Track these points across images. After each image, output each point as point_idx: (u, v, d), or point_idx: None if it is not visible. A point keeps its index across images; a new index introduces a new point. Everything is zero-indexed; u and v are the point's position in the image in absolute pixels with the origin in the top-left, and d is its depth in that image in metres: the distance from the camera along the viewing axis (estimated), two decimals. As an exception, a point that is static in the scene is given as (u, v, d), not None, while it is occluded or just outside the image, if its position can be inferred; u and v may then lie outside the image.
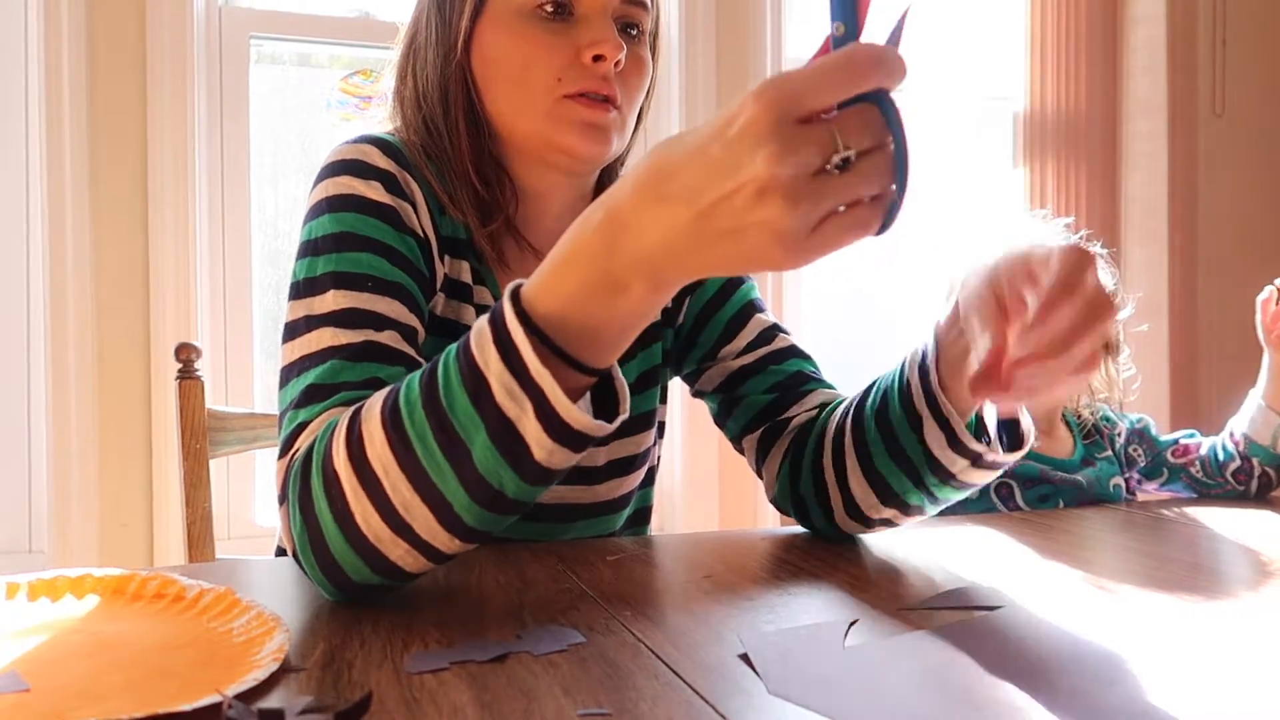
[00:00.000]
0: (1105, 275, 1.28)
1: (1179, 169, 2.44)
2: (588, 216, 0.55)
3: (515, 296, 0.56)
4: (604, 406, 0.61)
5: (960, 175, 2.38)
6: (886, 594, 0.68)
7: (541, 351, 0.55)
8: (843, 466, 0.82)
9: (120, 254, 1.80)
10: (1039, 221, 1.32)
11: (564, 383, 0.55)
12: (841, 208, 0.49)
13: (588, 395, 0.60)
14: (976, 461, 0.75)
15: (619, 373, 0.61)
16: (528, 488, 0.58)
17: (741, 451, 0.96)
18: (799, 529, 0.91)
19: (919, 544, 0.86)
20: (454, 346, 0.59)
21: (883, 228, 0.50)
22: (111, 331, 1.80)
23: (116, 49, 1.80)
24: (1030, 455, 1.21)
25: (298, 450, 0.66)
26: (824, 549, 0.82)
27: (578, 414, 0.55)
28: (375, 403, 0.61)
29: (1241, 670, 0.55)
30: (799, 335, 1.01)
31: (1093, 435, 1.28)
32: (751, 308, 0.96)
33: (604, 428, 0.57)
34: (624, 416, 0.59)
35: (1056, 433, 1.27)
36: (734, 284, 0.97)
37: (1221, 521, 1.02)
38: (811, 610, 0.64)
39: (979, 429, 0.77)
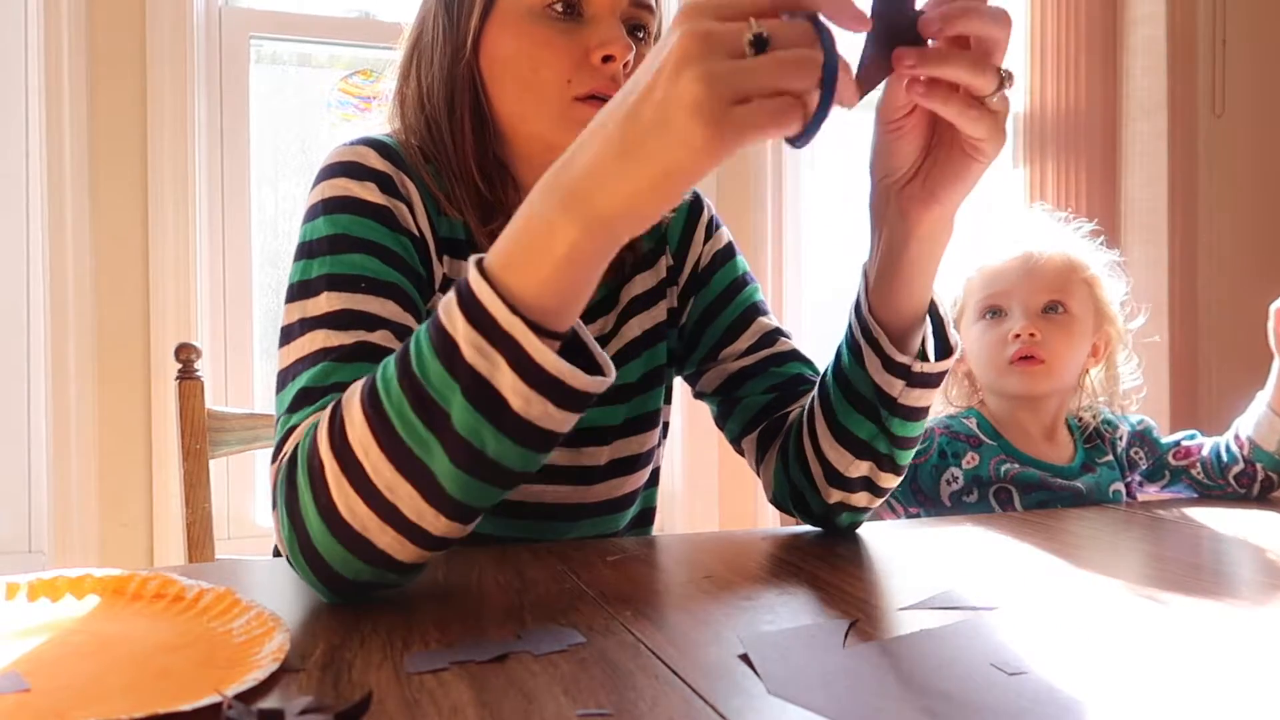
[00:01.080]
0: (1117, 283, 1.28)
1: (1179, 169, 2.44)
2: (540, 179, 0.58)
3: (479, 262, 0.58)
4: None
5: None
6: (886, 594, 0.68)
7: (512, 308, 0.56)
8: (815, 434, 0.84)
9: (120, 254, 1.80)
10: (1045, 215, 1.32)
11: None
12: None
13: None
14: (910, 379, 0.77)
15: (591, 339, 0.61)
16: (509, 445, 0.58)
17: (742, 453, 0.97)
18: (799, 528, 0.91)
19: (919, 544, 0.86)
20: (425, 323, 0.60)
21: (803, 135, 0.52)
22: (111, 331, 1.80)
23: (116, 49, 1.80)
24: (1030, 462, 1.21)
25: (285, 453, 0.66)
26: (824, 549, 0.82)
27: (552, 356, 0.56)
28: (355, 390, 0.62)
29: (1242, 672, 0.55)
30: (799, 336, 1.02)
31: (1094, 440, 1.27)
32: (754, 310, 0.97)
33: (578, 375, 0.57)
34: (608, 379, 0.59)
35: (1058, 438, 1.26)
36: (738, 285, 0.98)
37: (1223, 522, 1.02)
38: (811, 610, 0.64)
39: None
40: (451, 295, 0.58)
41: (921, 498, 1.22)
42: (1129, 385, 1.31)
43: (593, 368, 0.60)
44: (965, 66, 0.62)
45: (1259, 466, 1.17)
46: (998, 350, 1.22)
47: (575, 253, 0.56)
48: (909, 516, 1.22)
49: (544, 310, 0.57)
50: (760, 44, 0.50)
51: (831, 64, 0.51)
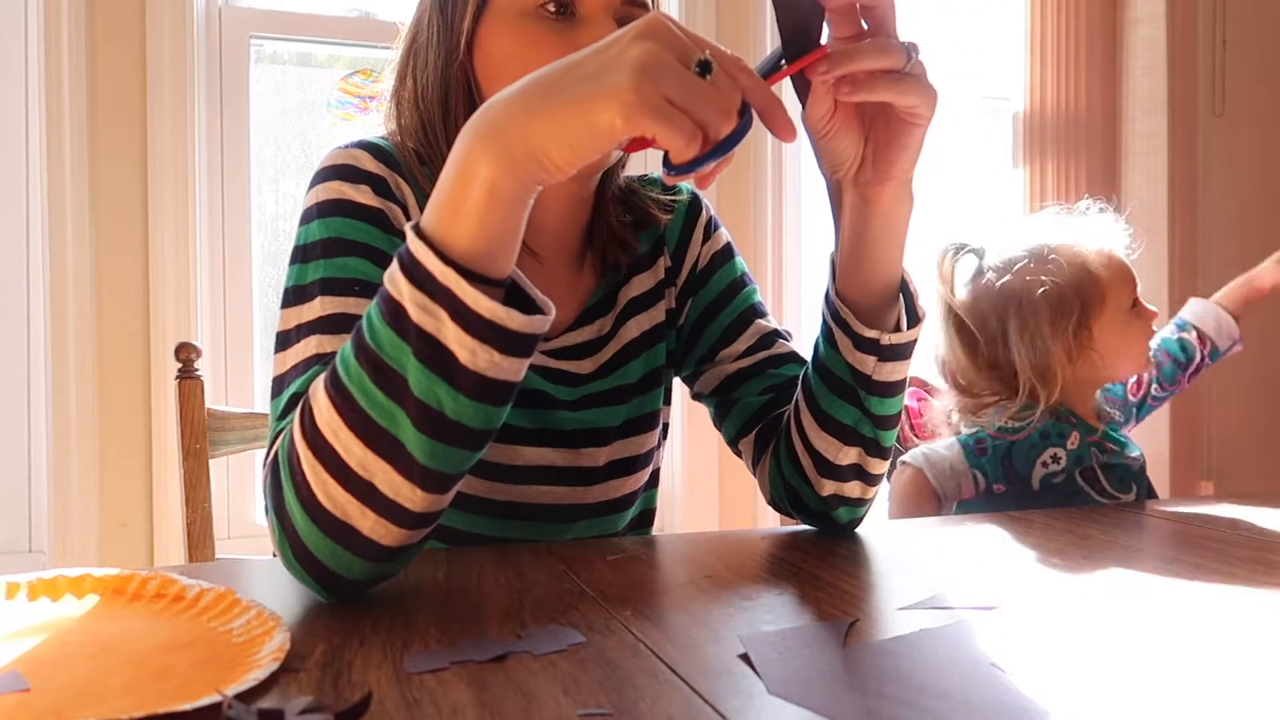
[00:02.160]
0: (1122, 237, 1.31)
1: (1179, 169, 2.44)
2: None
3: (415, 226, 0.60)
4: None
5: (960, 175, 2.38)
6: (886, 594, 0.68)
7: (443, 259, 0.57)
8: (802, 426, 0.84)
9: (120, 254, 1.81)
10: (1094, 215, 1.33)
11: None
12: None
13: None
14: (880, 354, 0.79)
15: (527, 282, 0.62)
16: (465, 401, 0.59)
17: (739, 454, 0.97)
18: (799, 528, 0.91)
19: (919, 544, 0.86)
20: (374, 299, 0.61)
21: (684, 166, 0.56)
22: (111, 331, 1.80)
23: (116, 49, 1.80)
24: (1112, 439, 1.26)
25: (270, 457, 0.67)
26: (824, 549, 0.82)
27: (486, 301, 0.57)
28: (320, 376, 0.62)
29: (1243, 671, 0.55)
30: (799, 336, 1.02)
31: (1105, 417, 1.31)
32: (753, 312, 0.97)
33: (514, 316, 0.58)
34: (546, 316, 0.60)
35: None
36: (736, 287, 0.98)
37: (1227, 521, 1.02)
38: (811, 610, 0.64)
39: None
40: (395, 263, 0.59)
41: (1012, 475, 1.24)
42: None
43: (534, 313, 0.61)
44: (872, 54, 0.66)
45: (1207, 363, 1.31)
46: (1146, 336, 1.27)
47: (494, 189, 0.57)
48: (991, 494, 1.24)
49: (476, 256, 0.58)
50: (704, 69, 0.55)
51: (740, 130, 0.57)
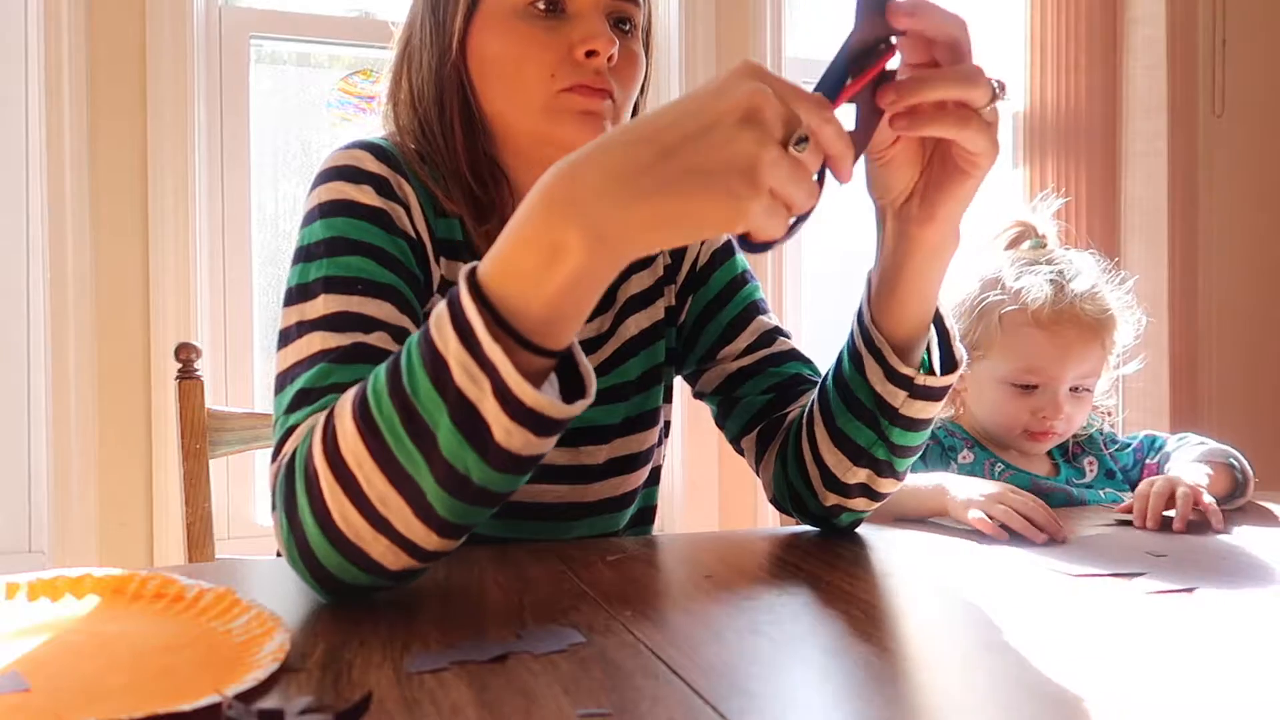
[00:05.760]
0: (1128, 330, 1.25)
1: (1179, 169, 2.44)
2: (538, 183, 0.55)
3: (471, 274, 0.56)
4: (573, 391, 0.59)
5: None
6: (886, 594, 0.68)
7: (494, 330, 0.54)
8: (814, 437, 0.83)
9: (120, 254, 1.80)
10: (1090, 264, 1.26)
11: (520, 363, 0.54)
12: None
13: (554, 380, 0.58)
14: (913, 391, 0.77)
15: (582, 355, 0.60)
16: (493, 473, 0.57)
17: (741, 453, 0.97)
18: (799, 529, 0.91)
19: (919, 544, 0.86)
20: (417, 333, 0.58)
21: (765, 245, 0.55)
22: (111, 331, 1.80)
23: (116, 49, 1.80)
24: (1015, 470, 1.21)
25: (284, 455, 0.66)
26: (824, 549, 0.82)
27: (530, 390, 0.54)
28: (347, 397, 0.61)
29: (1237, 670, 0.55)
30: (799, 337, 1.02)
31: (1073, 456, 1.27)
32: (754, 309, 0.97)
33: (558, 406, 0.55)
34: (588, 401, 0.58)
35: (1035, 457, 1.26)
36: (737, 284, 0.98)
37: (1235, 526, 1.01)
38: (811, 610, 0.64)
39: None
40: (444, 310, 0.56)
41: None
42: (1103, 404, 1.31)
43: (575, 382, 0.59)
44: (956, 81, 0.62)
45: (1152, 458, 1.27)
46: (1017, 417, 1.21)
47: (578, 274, 0.54)
48: None
49: (539, 329, 0.55)
50: (801, 143, 0.52)
51: (813, 207, 0.55)
